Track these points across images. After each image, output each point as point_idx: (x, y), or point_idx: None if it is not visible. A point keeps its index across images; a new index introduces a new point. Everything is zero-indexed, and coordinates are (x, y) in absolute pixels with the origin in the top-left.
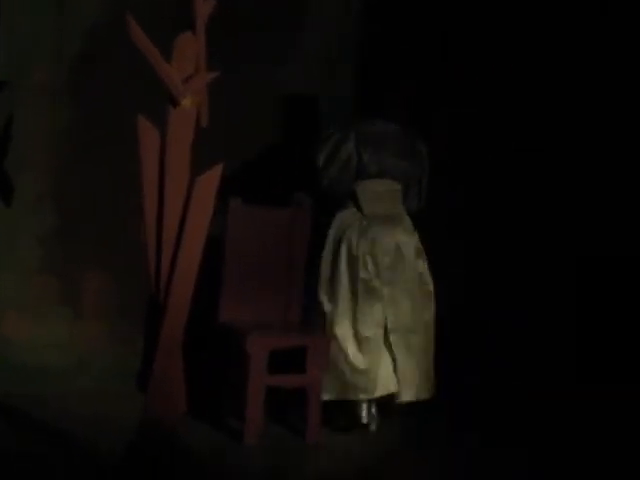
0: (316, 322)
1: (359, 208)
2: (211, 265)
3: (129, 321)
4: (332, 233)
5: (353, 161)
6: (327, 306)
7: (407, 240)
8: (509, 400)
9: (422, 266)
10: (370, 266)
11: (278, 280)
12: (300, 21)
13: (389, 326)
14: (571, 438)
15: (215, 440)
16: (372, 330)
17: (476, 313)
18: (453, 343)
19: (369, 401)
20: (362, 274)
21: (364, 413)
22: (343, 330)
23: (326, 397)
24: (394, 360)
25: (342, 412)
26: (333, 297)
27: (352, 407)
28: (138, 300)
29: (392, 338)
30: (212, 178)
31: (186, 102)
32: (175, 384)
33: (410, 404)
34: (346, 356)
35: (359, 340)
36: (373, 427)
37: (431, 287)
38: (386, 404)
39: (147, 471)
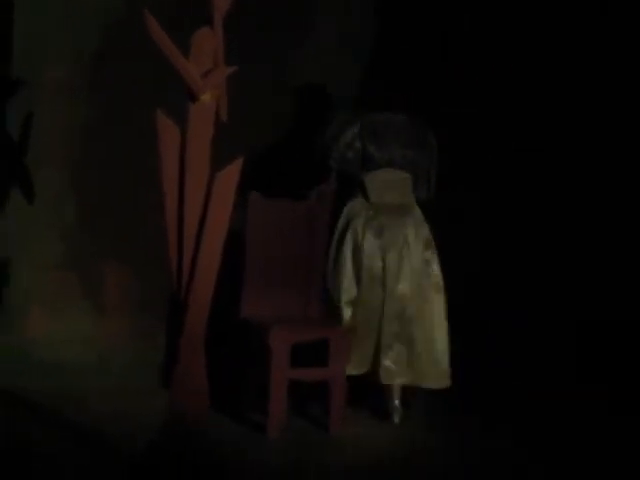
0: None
1: (366, 197)
2: (232, 260)
3: (150, 316)
4: (340, 222)
5: (357, 143)
6: (334, 293)
7: (416, 230)
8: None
9: (431, 257)
10: (375, 256)
11: (299, 273)
12: (314, 17)
13: (385, 314)
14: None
15: (238, 434)
16: (370, 317)
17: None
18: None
19: (390, 392)
20: (366, 263)
21: None
22: (346, 316)
23: None
24: (384, 345)
25: None
26: (339, 284)
27: None
28: (159, 295)
29: (386, 327)
30: (232, 173)
31: (205, 97)
32: (198, 380)
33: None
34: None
35: (356, 323)
36: (397, 420)
37: (439, 278)
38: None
39: (170, 466)
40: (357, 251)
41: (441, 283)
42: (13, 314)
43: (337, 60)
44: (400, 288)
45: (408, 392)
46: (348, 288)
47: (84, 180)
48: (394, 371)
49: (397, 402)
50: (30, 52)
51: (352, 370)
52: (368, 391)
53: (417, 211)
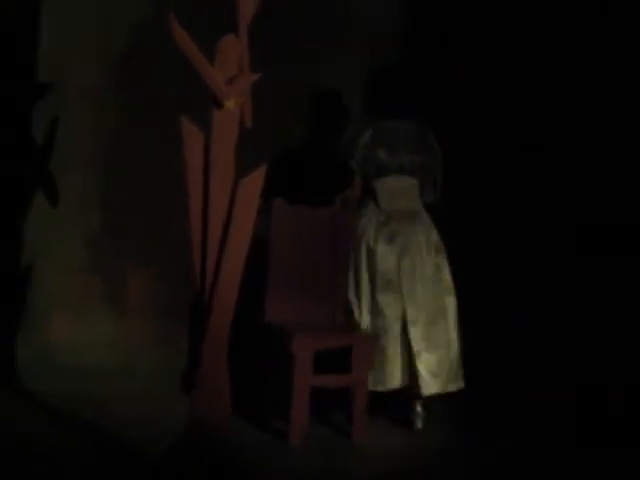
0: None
1: (377, 204)
2: (255, 265)
3: (173, 321)
4: None
5: (371, 146)
6: (353, 301)
7: (426, 236)
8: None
9: (441, 260)
10: (389, 260)
11: (323, 280)
12: (341, 22)
13: (408, 319)
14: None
15: (259, 441)
16: (389, 324)
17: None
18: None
19: (410, 398)
20: (380, 268)
21: None
22: (365, 324)
23: None
24: (416, 353)
25: None
26: (356, 292)
27: None
28: (182, 300)
29: (412, 331)
30: (256, 180)
31: (230, 104)
32: (220, 385)
33: (439, 397)
34: None
35: (377, 333)
36: (420, 425)
37: (450, 282)
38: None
39: (192, 472)
40: (371, 258)
41: (452, 286)
42: (37, 318)
43: (350, 65)
44: (416, 294)
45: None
46: (365, 295)
47: (108, 184)
48: (429, 381)
49: (420, 407)
50: (56, 56)
51: (382, 386)
52: (388, 399)
53: (426, 216)
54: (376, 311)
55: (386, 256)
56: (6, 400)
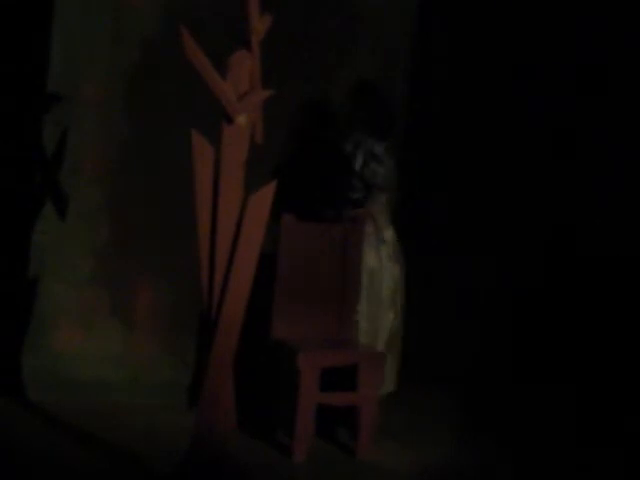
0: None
1: (375, 222)
2: (263, 281)
3: (181, 334)
4: None
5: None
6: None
7: (398, 247)
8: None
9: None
10: (389, 278)
11: (331, 297)
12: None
13: (391, 330)
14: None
15: (264, 456)
16: (373, 333)
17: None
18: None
19: None
20: (385, 285)
21: None
22: (364, 340)
23: None
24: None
25: None
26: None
27: None
28: (190, 314)
29: (388, 342)
30: (265, 196)
31: (241, 119)
32: (226, 400)
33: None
34: None
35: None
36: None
37: None
38: None
39: None
40: (375, 276)
41: None
42: (44, 330)
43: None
44: (396, 303)
45: None
46: (362, 315)
47: (119, 197)
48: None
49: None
50: (66, 68)
51: None
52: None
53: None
54: (376, 326)
55: (388, 274)
56: (13, 412)
